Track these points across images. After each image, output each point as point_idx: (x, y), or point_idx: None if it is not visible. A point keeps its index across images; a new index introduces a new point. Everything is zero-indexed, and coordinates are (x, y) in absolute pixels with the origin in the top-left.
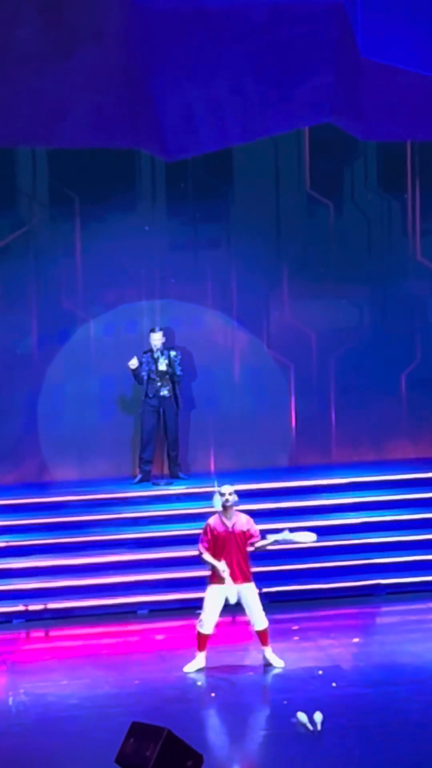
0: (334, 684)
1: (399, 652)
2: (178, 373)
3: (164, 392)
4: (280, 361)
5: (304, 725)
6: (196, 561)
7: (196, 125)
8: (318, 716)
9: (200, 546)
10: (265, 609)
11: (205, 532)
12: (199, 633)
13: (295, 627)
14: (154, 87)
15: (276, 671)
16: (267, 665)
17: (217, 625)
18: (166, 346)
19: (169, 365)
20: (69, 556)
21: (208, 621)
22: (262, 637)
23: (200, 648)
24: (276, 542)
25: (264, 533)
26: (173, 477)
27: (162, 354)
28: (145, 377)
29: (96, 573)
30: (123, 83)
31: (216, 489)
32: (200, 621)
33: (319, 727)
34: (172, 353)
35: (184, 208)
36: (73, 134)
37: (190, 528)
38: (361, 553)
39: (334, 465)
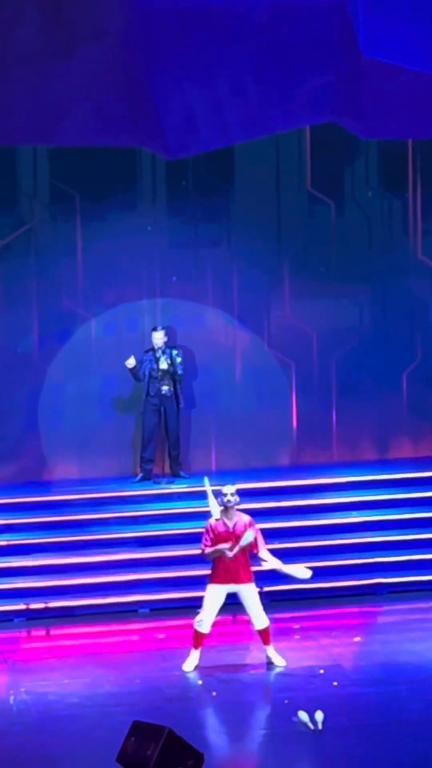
0: (335, 683)
1: (400, 651)
2: (180, 372)
3: (165, 391)
4: (281, 360)
5: (305, 724)
6: (197, 560)
7: (197, 124)
8: (319, 715)
9: (202, 546)
10: (266, 608)
11: (207, 532)
12: (196, 631)
13: (297, 626)
14: (154, 86)
15: (277, 670)
16: (269, 664)
17: (218, 624)
18: (168, 345)
19: (171, 364)
20: (70, 554)
21: (206, 620)
22: (264, 636)
23: (196, 646)
24: (271, 566)
25: (263, 534)
26: (174, 476)
27: (164, 353)
28: (147, 376)
29: (97, 572)
30: (124, 82)
31: (206, 488)
32: (199, 620)
33: (320, 726)
34: (174, 352)
35: (184, 206)
36: (73, 133)
37: (191, 527)
38: (363, 552)
39: (335, 464)
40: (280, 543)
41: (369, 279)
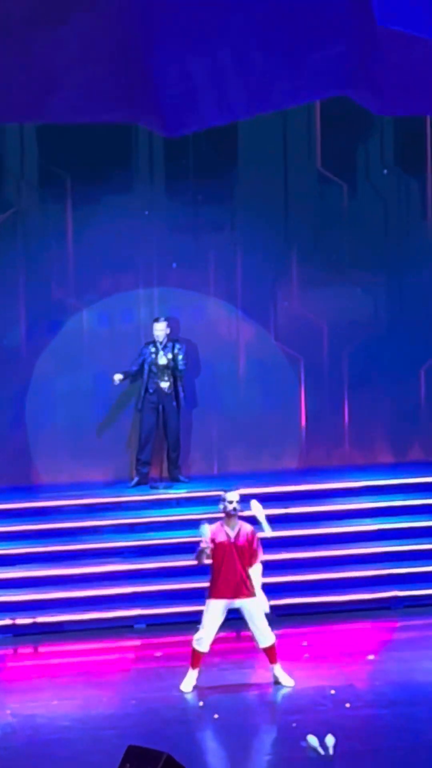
0: (347, 704)
1: (417, 669)
2: (181, 367)
3: (165, 388)
4: (289, 354)
5: (314, 749)
6: (198, 571)
7: (198, 98)
8: (330, 740)
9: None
10: (273, 623)
11: (206, 540)
12: (194, 650)
13: (306, 643)
14: (152, 57)
15: (285, 690)
16: (275, 684)
17: (221, 641)
18: (171, 338)
19: (172, 359)
20: (60, 565)
21: (205, 638)
22: (270, 653)
23: (194, 665)
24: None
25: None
26: (173, 480)
27: (165, 346)
28: (146, 371)
29: (89, 584)
30: (118, 53)
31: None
32: (198, 638)
33: (330, 751)
34: (177, 346)
35: (184, 188)
36: (64, 109)
37: (191, 535)
38: (377, 563)
39: (348, 467)
40: (287, 553)
41: (384, 266)
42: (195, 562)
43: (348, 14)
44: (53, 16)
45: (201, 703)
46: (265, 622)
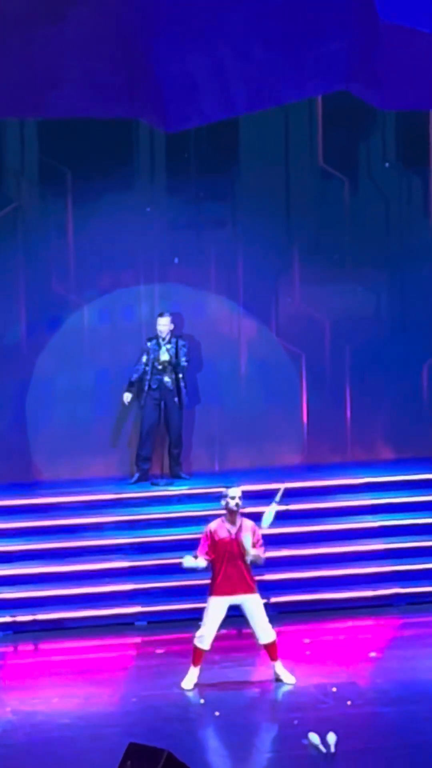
0: (349, 702)
1: (420, 667)
2: (183, 363)
3: (167, 384)
4: (291, 350)
5: (316, 747)
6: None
7: (199, 94)
8: (331, 737)
9: (198, 552)
10: (274, 621)
11: (206, 537)
12: (196, 648)
13: (307, 640)
14: (153, 52)
15: (286, 688)
16: (276, 681)
17: (222, 638)
18: (174, 334)
19: (175, 355)
20: (60, 562)
21: (207, 636)
22: (271, 650)
23: (195, 663)
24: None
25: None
26: (174, 477)
27: (168, 342)
28: (149, 367)
29: (90, 581)
30: (119, 48)
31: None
32: (199, 635)
33: (332, 749)
34: (179, 342)
35: (185, 184)
36: (65, 103)
37: (192, 532)
38: (379, 560)
39: (350, 464)
40: (288, 550)
41: (386, 263)
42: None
43: (350, 9)
44: (54, 12)
45: (202, 701)
46: (266, 619)
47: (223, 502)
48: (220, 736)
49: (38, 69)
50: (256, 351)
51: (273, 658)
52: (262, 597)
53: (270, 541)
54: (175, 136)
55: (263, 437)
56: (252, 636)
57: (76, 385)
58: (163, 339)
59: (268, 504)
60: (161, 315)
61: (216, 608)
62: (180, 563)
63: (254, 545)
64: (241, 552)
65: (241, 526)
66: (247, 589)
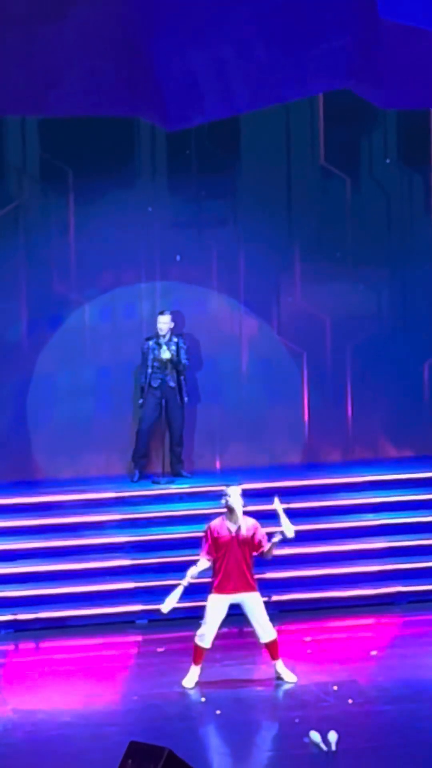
0: (350, 701)
1: (421, 666)
2: (184, 362)
3: (169, 382)
4: (292, 349)
5: (317, 745)
6: None
7: (200, 91)
8: (332, 736)
9: (201, 553)
10: (275, 619)
11: (206, 536)
12: (196, 646)
13: (308, 638)
14: (153, 50)
15: (287, 686)
16: (277, 680)
17: (223, 637)
18: (174, 333)
19: (176, 353)
20: (62, 560)
21: (208, 634)
22: (272, 649)
23: (196, 661)
24: (275, 544)
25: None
26: (175, 475)
27: (169, 340)
28: (149, 366)
29: (91, 579)
30: (121, 46)
31: (277, 507)
32: (200, 633)
33: (333, 747)
34: (180, 341)
35: (187, 182)
36: (66, 102)
37: (194, 530)
38: (381, 558)
39: (350, 462)
40: (290, 548)
41: (387, 261)
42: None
43: (351, 7)
44: (54, 10)
45: (203, 699)
46: (266, 617)
47: (223, 501)
48: (221, 735)
49: (39, 67)
50: (258, 349)
51: (274, 657)
52: (264, 595)
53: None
54: (176, 135)
55: (264, 435)
56: (253, 635)
57: (77, 383)
58: (163, 337)
59: (269, 503)
60: (161, 313)
61: (216, 606)
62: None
63: (261, 542)
64: (242, 550)
65: (242, 524)
66: (248, 588)
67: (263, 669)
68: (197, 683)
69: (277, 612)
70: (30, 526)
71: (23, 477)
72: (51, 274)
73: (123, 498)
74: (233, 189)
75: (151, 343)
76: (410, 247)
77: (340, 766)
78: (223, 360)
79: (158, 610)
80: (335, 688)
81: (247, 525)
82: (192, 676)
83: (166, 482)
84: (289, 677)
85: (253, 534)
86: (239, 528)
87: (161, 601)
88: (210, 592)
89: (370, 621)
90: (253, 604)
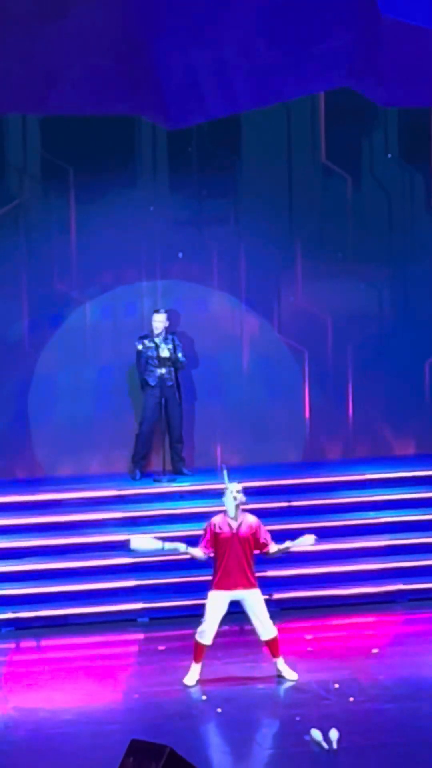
0: (351, 699)
1: (422, 664)
2: (182, 359)
3: (168, 381)
4: (293, 347)
5: (318, 744)
6: (201, 565)
7: (201, 90)
8: (334, 734)
9: (200, 545)
10: (276, 617)
11: (206, 531)
12: (197, 643)
13: (309, 636)
14: (155, 49)
15: (288, 684)
16: (278, 678)
17: (224, 635)
18: (169, 331)
19: (173, 351)
20: (63, 558)
21: (208, 631)
22: (272, 647)
23: (197, 659)
24: (280, 551)
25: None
26: (176, 473)
27: (166, 339)
28: (145, 364)
29: (92, 577)
30: (122, 44)
31: (226, 485)
32: (200, 630)
33: (334, 745)
34: (175, 339)
35: (188, 180)
36: (67, 100)
37: (195, 528)
38: (382, 556)
39: (351, 460)
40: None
41: (388, 259)
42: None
43: (351, 5)
44: (55, 8)
45: (204, 697)
46: (267, 615)
47: (238, 496)
48: (222, 733)
49: (40, 66)
50: (259, 348)
51: (275, 655)
52: (265, 593)
53: (273, 537)
54: (177, 133)
55: (265, 434)
56: (253, 632)
57: (78, 382)
58: (158, 336)
59: (271, 500)
60: (157, 311)
61: (216, 603)
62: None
63: (266, 541)
64: (243, 547)
65: (242, 521)
66: (248, 584)
67: (264, 667)
68: (198, 681)
69: (278, 610)
70: (31, 524)
71: (24, 475)
72: (52, 272)
73: (124, 496)
74: (234, 187)
75: (146, 342)
76: (411, 246)
77: (341, 764)
78: (224, 358)
79: (159, 609)
80: (336, 686)
81: (248, 522)
82: (193, 674)
83: (167, 480)
84: (290, 675)
85: (255, 532)
86: (240, 525)
87: (162, 599)
88: (210, 588)
89: (371, 619)
90: (254, 601)
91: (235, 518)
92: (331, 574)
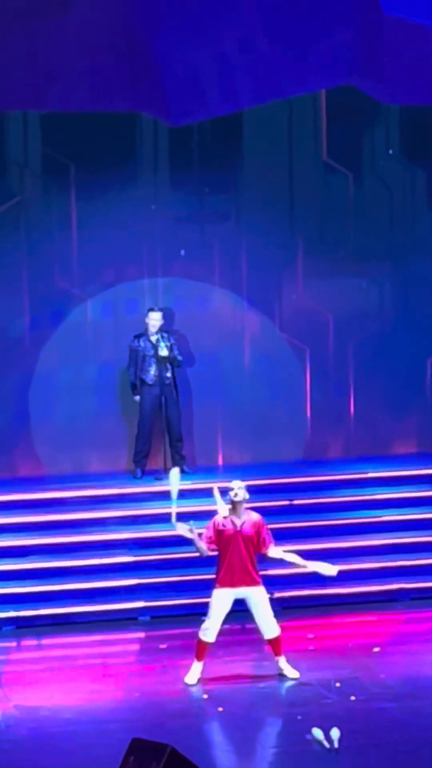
0: (352, 698)
1: (424, 662)
2: (179, 357)
3: (166, 379)
4: (295, 345)
5: (319, 743)
6: (202, 563)
7: (203, 87)
8: (335, 733)
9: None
10: (278, 615)
11: (210, 527)
12: (200, 641)
13: (311, 635)
14: (156, 45)
15: (289, 683)
16: (280, 676)
17: (225, 633)
18: (164, 329)
19: (170, 349)
20: (64, 557)
21: (212, 628)
22: (275, 645)
23: (199, 657)
24: (293, 563)
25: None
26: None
27: (162, 337)
28: (142, 363)
29: (93, 576)
30: (123, 41)
31: (218, 506)
32: (204, 628)
33: (336, 744)
34: (171, 337)
35: (189, 177)
36: (67, 97)
37: (196, 527)
38: (383, 555)
39: (353, 458)
40: (292, 545)
41: (390, 257)
42: (198, 555)
43: (353, 2)
44: (56, 4)
45: (205, 696)
46: (271, 613)
47: (236, 495)
48: (223, 732)
49: (41, 62)
50: (260, 345)
51: (276, 654)
52: (267, 591)
53: (274, 535)
54: (179, 130)
55: (267, 432)
56: (256, 631)
57: (79, 379)
58: (153, 334)
59: (272, 499)
60: (152, 310)
61: (220, 600)
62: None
63: (265, 540)
64: (246, 544)
65: (246, 519)
66: (251, 582)
67: (265, 665)
68: (199, 680)
69: (279, 609)
70: (31, 523)
71: (25, 473)
72: (53, 269)
73: (125, 495)
74: (235, 185)
75: (142, 341)
76: (413, 243)
77: (342, 763)
78: (226, 356)
79: (160, 607)
80: (338, 684)
81: (252, 520)
82: (194, 673)
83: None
84: (292, 674)
85: (258, 531)
86: (244, 522)
87: (163, 598)
88: (214, 586)
89: (372, 618)
90: (258, 599)
91: (238, 515)
92: None
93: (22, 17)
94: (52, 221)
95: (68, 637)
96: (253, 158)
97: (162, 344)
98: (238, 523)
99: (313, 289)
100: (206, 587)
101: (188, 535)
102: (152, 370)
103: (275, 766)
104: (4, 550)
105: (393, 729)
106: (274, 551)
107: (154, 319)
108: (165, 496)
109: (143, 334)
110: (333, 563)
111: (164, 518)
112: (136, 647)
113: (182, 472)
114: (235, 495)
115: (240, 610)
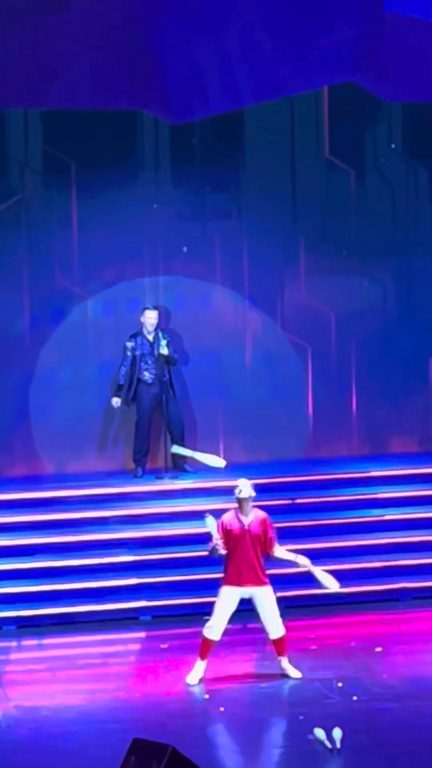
0: (354, 697)
1: (426, 662)
2: (175, 356)
3: (164, 377)
4: (297, 343)
5: (321, 743)
6: (204, 562)
7: (204, 84)
8: (337, 733)
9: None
10: (280, 615)
11: (217, 529)
12: (205, 639)
13: (313, 635)
14: (157, 42)
15: (291, 683)
16: (282, 676)
17: (226, 632)
18: (159, 328)
19: (167, 347)
20: (64, 557)
21: (216, 626)
22: (279, 645)
23: (202, 656)
24: (297, 564)
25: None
26: (179, 470)
27: (158, 336)
28: (138, 362)
29: (94, 576)
30: (124, 38)
31: (213, 534)
32: (209, 626)
33: (338, 744)
34: (166, 335)
35: (190, 175)
36: (68, 95)
37: (197, 526)
38: (385, 554)
39: (355, 457)
40: (294, 544)
41: (392, 254)
42: (207, 554)
43: (356, 0)
44: (57, 1)
45: (206, 696)
46: (277, 613)
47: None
48: (224, 732)
49: (42, 59)
50: (262, 344)
51: (280, 654)
52: (273, 592)
53: (277, 535)
54: (180, 128)
55: (269, 430)
56: (258, 630)
57: (79, 378)
58: (150, 332)
59: (274, 498)
60: (147, 308)
61: (226, 598)
62: (206, 523)
63: (271, 540)
64: (254, 543)
65: (253, 518)
66: (258, 582)
67: (267, 665)
68: (201, 680)
69: (281, 608)
70: (32, 522)
71: (25, 472)
72: (53, 268)
73: (126, 494)
74: (237, 182)
75: (139, 339)
76: (415, 240)
77: (344, 763)
78: (227, 355)
79: (162, 607)
80: (339, 684)
81: (259, 519)
82: (196, 673)
83: (170, 478)
84: (294, 673)
85: (265, 529)
86: (252, 521)
87: (164, 597)
88: (221, 585)
89: (374, 617)
90: (265, 598)
91: (245, 514)
92: (334, 572)
93: (23, 15)
94: (53, 219)
95: (69, 637)
96: (254, 156)
97: (161, 342)
98: (246, 521)
99: (314, 287)
100: (208, 587)
101: (215, 534)
102: (150, 369)
103: (277, 767)
104: (5, 549)
105: (395, 729)
106: (279, 551)
107: (152, 318)
108: (165, 496)
109: (139, 333)
110: (334, 562)
111: (165, 518)
112: (137, 647)
113: (184, 471)
114: (239, 492)
115: (242, 610)
